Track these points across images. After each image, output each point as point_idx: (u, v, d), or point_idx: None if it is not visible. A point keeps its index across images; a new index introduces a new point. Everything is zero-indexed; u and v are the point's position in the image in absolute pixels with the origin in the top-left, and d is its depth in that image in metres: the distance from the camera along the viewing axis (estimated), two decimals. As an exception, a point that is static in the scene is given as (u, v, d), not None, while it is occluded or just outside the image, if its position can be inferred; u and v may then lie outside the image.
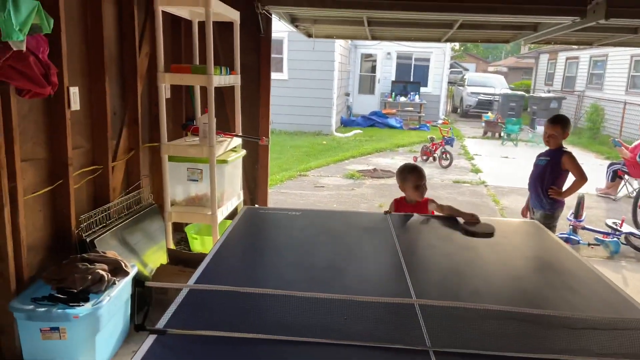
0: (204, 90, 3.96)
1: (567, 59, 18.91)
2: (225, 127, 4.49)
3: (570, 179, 3.86)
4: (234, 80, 4.15)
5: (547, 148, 3.93)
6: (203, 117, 3.69)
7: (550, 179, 3.86)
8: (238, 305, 1.68)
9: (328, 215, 2.86)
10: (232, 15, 4.02)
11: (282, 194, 7.17)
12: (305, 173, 8.60)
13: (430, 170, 9.31)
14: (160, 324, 1.55)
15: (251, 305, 1.68)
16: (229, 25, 4.27)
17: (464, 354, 1.45)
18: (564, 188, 3.87)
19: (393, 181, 8.41)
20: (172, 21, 4.27)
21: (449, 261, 2.21)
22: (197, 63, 4.22)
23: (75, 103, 3.00)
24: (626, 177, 7.24)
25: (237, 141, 4.35)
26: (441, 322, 1.60)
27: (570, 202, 5.16)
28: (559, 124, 3.81)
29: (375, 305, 1.67)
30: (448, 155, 9.55)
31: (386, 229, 2.58)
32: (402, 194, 3.17)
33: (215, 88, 3.66)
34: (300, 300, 1.64)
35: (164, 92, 3.72)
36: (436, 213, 2.95)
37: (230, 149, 4.16)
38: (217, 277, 1.94)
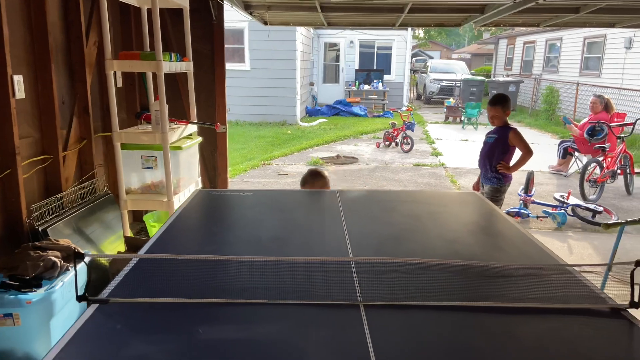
0: (156, 77, 3.96)
1: (525, 43, 19.43)
2: (181, 115, 4.51)
3: (518, 154, 4.05)
4: (186, 67, 4.16)
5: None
6: (155, 104, 3.70)
7: (498, 154, 4.04)
8: (182, 274, 1.74)
9: (279, 194, 2.94)
10: (181, 1, 4.02)
11: (245, 183, 7.21)
12: (269, 162, 8.66)
13: (392, 155, 9.50)
14: (104, 294, 1.61)
15: (195, 273, 1.75)
16: (180, 12, 4.27)
17: (391, 305, 1.55)
18: (512, 163, 4.07)
19: (356, 167, 8.57)
20: (122, 9, 4.24)
21: (390, 229, 2.32)
22: (148, 50, 4.21)
23: (20, 91, 2.98)
24: (576, 154, 7.56)
25: (193, 128, 4.37)
26: (374, 279, 1.70)
27: (520, 178, 5.40)
28: (498, 104, 4.04)
29: (314, 267, 1.76)
30: (409, 140, 9.76)
31: (334, 204, 2.67)
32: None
33: (169, 76, 3.68)
34: (241, 265, 1.72)
35: (114, 80, 3.71)
36: None
37: (185, 136, 4.18)
38: (164, 251, 1.99)
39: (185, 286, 1.65)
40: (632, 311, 1.53)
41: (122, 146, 3.74)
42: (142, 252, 1.97)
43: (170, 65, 3.76)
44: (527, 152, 4.00)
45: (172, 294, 1.59)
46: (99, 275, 3.09)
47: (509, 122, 4.12)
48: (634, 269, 1.56)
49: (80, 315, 2.94)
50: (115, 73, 3.82)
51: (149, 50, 4.24)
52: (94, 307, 1.54)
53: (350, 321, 1.47)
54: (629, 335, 1.44)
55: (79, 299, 1.59)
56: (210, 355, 1.29)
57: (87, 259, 1.69)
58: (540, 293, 1.63)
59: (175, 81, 4.67)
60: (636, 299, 1.54)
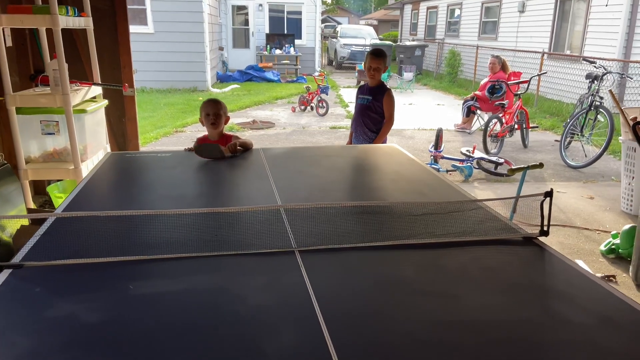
0: (51, 34, 3.60)
1: (428, 8, 20.08)
2: (82, 78, 4.16)
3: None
4: (84, 22, 3.82)
5: (370, 84, 3.81)
6: (52, 63, 3.36)
7: (373, 115, 3.77)
8: (103, 233, 1.64)
9: (199, 154, 2.84)
10: (75, -51, 3.65)
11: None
12: (182, 129, 8.32)
13: (308, 119, 9.52)
14: (17, 258, 1.47)
15: (118, 232, 1.66)
16: (73, -38, 3.88)
17: (325, 249, 1.57)
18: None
19: (273, 131, 8.50)
20: (4, -43, 3.76)
21: (316, 181, 2.34)
22: (40, 4, 3.80)
23: None
24: (478, 112, 8.05)
25: (97, 91, 4.06)
26: (305, 226, 1.71)
27: (430, 137, 5.65)
28: (382, 56, 3.71)
29: (246, 219, 1.74)
30: (324, 104, 9.83)
31: (258, 161, 2.64)
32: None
33: (66, 36, 3.35)
34: (168, 220, 1.65)
35: (4, 39, 3.32)
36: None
37: (89, 99, 3.87)
38: (81, 210, 1.85)
39: (108, 246, 1.56)
40: (542, 239, 1.69)
41: (17, 110, 3.39)
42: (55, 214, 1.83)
43: (67, 20, 3.43)
44: (390, 120, 3.74)
45: (95, 254, 1.50)
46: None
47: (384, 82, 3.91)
48: (543, 200, 1.70)
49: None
50: (4, 31, 3.42)
51: (40, 3, 3.83)
52: (6, 273, 1.40)
53: (287, 267, 1.47)
54: (541, 258, 1.59)
55: (-12, 266, 1.44)
56: (144, 308, 1.23)
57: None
58: (461, 228, 1.73)
59: (73, 41, 4.27)
60: (545, 228, 1.69)
